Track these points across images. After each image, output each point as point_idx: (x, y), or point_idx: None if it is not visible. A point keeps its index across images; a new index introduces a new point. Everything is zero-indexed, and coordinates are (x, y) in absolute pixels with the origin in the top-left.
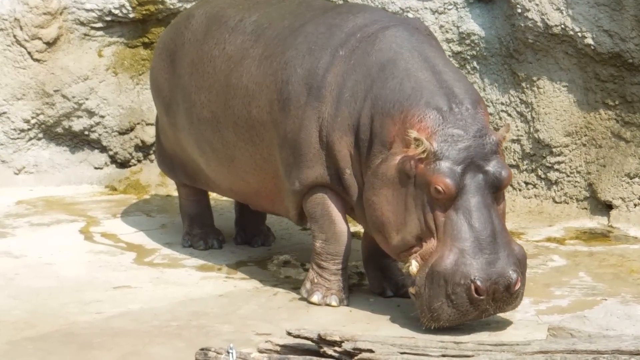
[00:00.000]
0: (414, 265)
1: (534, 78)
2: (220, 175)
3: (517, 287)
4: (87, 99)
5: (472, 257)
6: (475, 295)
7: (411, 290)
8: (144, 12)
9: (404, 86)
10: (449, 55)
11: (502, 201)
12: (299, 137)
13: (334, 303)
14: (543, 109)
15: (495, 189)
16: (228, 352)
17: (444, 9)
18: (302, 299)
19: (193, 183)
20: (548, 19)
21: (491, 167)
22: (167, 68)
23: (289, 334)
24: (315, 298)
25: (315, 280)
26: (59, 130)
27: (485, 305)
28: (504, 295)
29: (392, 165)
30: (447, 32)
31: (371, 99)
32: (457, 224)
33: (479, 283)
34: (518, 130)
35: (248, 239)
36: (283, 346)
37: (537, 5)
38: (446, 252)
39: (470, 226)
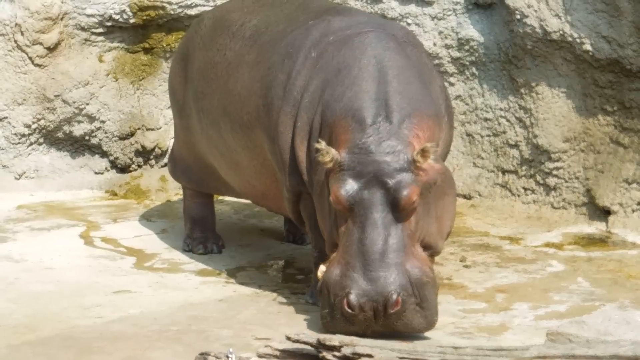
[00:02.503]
0: (319, 271)
1: (533, 84)
2: (232, 179)
3: (395, 309)
4: (87, 104)
5: (354, 271)
6: (347, 309)
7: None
8: (145, 17)
9: (345, 95)
10: (448, 61)
11: (412, 219)
12: (279, 143)
13: None
14: (542, 114)
15: (395, 207)
16: (227, 357)
17: (443, 14)
18: (306, 303)
19: (203, 188)
20: (547, 25)
21: (393, 184)
22: (181, 72)
23: (289, 338)
24: None
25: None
26: (60, 135)
27: (364, 321)
28: (386, 314)
29: (322, 174)
30: (446, 37)
31: (322, 105)
32: (351, 237)
33: (351, 297)
34: (517, 136)
35: (297, 237)
36: (282, 351)
37: (535, 11)
38: (335, 263)
39: (360, 241)
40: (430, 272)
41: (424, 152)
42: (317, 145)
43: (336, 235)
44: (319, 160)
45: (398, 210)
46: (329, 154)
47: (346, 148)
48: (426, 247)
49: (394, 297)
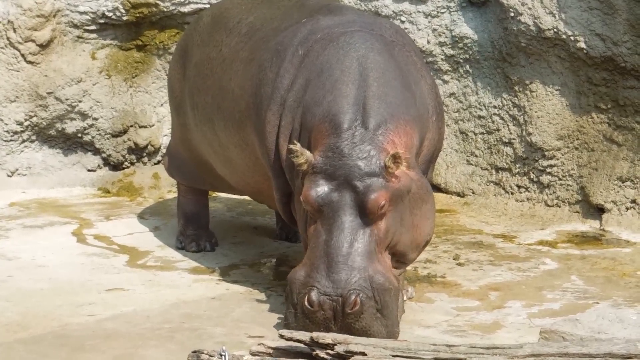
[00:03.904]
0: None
1: (527, 81)
2: (227, 175)
3: (353, 309)
4: (80, 102)
5: (318, 272)
6: (307, 305)
7: None
8: (138, 14)
9: (325, 99)
10: (442, 59)
11: (381, 226)
12: (265, 143)
13: None
14: (535, 112)
15: (363, 211)
16: (220, 355)
17: (437, 12)
18: None
19: (199, 184)
20: (541, 22)
21: (362, 188)
22: (179, 69)
23: (282, 336)
24: None
25: None
26: (52, 132)
27: (323, 321)
28: (344, 314)
29: (299, 175)
30: (440, 35)
31: (303, 106)
32: (318, 238)
33: (312, 294)
34: (510, 133)
35: (290, 235)
36: (275, 349)
37: (530, 9)
38: (301, 263)
39: (326, 243)
40: (394, 281)
41: (395, 158)
42: (292, 147)
43: (306, 236)
44: (293, 161)
45: (365, 214)
46: (303, 156)
47: (321, 151)
48: (396, 255)
49: (352, 297)
